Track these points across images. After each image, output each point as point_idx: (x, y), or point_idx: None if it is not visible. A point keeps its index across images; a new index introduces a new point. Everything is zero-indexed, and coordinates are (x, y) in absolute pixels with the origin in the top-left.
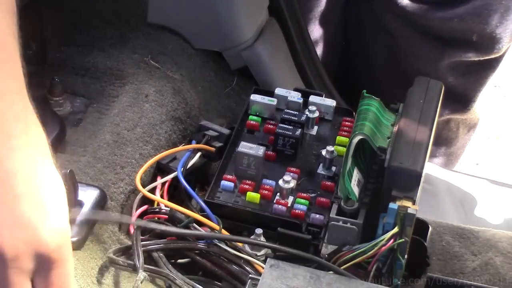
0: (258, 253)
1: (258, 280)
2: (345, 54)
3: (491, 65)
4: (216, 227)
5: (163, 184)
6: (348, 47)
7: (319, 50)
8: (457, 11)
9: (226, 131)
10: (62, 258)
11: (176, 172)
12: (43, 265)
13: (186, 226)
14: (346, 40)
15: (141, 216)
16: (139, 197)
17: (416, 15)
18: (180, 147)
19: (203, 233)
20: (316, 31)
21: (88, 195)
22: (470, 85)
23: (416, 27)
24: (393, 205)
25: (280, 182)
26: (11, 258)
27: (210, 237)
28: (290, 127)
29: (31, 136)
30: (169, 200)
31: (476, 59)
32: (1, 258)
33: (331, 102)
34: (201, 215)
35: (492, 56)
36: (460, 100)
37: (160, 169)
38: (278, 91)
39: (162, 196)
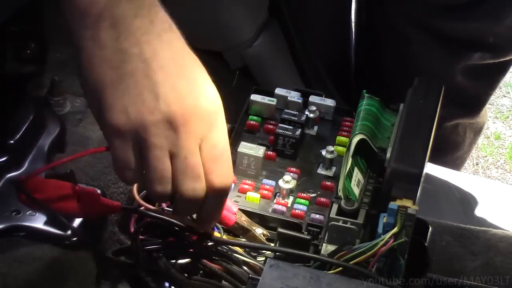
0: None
1: (258, 280)
2: (350, 55)
3: (504, 67)
4: (217, 234)
5: None
6: (357, 50)
7: (322, 51)
8: (474, 13)
9: None
10: (219, 120)
11: None
12: (206, 127)
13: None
14: (356, 42)
15: (141, 218)
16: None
17: (431, 18)
18: None
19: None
20: (320, 32)
21: None
22: (483, 88)
23: (431, 31)
24: (393, 205)
25: (280, 182)
26: (180, 122)
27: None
28: (290, 127)
29: (172, 28)
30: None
31: (492, 61)
32: (172, 124)
33: (331, 102)
34: None
35: (508, 58)
36: (471, 103)
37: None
38: (278, 91)
39: None
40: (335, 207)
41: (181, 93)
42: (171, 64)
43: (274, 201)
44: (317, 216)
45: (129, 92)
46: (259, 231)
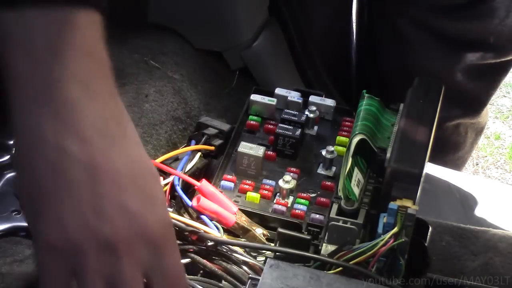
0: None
1: (258, 280)
2: (350, 55)
3: (505, 67)
4: (216, 235)
5: (165, 184)
6: (357, 50)
7: (322, 51)
8: (475, 13)
9: (226, 127)
10: (170, 246)
11: (175, 176)
12: (154, 255)
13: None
14: (356, 42)
15: None
16: None
17: (432, 18)
18: (180, 150)
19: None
20: (320, 32)
21: None
22: (484, 88)
23: (432, 31)
24: (393, 205)
25: (280, 182)
26: (123, 249)
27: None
28: (290, 127)
29: (128, 133)
30: (171, 202)
31: (493, 61)
32: (114, 250)
33: (331, 102)
34: (200, 222)
35: (509, 58)
36: (472, 103)
37: (162, 169)
38: (278, 91)
39: None
40: (335, 207)
41: (128, 212)
42: (121, 176)
43: (274, 201)
44: (317, 216)
45: (68, 204)
46: (259, 231)
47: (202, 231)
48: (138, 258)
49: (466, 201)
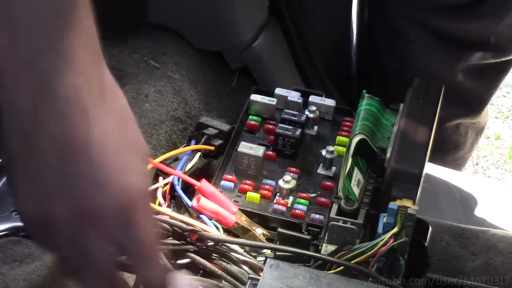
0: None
1: (258, 280)
2: (350, 55)
3: (505, 67)
4: (215, 235)
5: (165, 184)
6: (357, 50)
7: (322, 51)
8: (475, 13)
9: (226, 127)
10: (140, 215)
11: (174, 176)
12: (123, 225)
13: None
14: (356, 42)
15: None
16: None
17: (432, 18)
18: (180, 149)
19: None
20: (320, 32)
21: None
22: (484, 88)
23: (432, 31)
24: (393, 205)
25: (280, 182)
26: (90, 221)
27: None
28: (290, 127)
29: (109, 104)
30: (171, 202)
31: (493, 61)
32: (81, 222)
33: (331, 102)
34: (200, 221)
35: (509, 58)
36: (473, 103)
37: (161, 169)
38: (278, 91)
39: (164, 198)
40: (335, 207)
41: (96, 184)
42: (92, 148)
43: (274, 201)
44: (317, 216)
45: (38, 176)
46: (259, 231)
47: (202, 230)
48: (106, 229)
49: (466, 201)
